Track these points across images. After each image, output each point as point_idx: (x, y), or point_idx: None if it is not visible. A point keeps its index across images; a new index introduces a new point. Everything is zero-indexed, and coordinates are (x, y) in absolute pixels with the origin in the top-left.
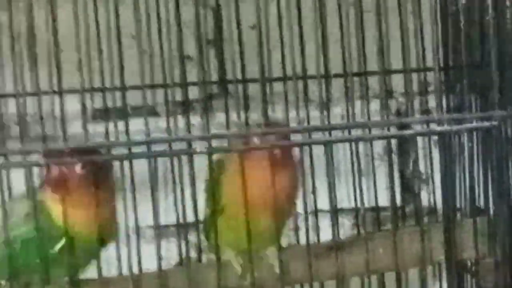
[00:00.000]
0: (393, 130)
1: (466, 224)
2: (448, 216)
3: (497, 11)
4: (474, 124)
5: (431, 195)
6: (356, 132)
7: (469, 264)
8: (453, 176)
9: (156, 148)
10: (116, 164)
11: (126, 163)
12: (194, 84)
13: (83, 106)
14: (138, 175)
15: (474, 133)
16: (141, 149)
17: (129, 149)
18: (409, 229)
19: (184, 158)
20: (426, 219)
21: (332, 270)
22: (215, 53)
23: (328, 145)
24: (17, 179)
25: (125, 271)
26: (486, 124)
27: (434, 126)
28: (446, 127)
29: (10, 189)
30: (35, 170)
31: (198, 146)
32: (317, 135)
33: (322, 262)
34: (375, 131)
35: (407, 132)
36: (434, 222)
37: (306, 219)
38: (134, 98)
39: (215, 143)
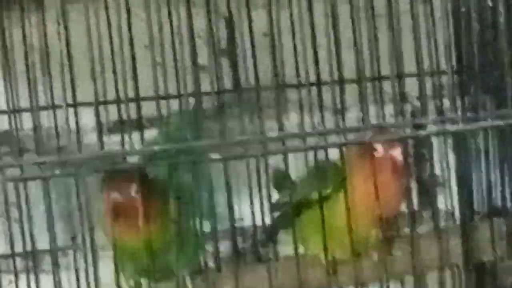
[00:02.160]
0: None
1: (483, 226)
2: (464, 219)
3: (509, 10)
4: (487, 122)
5: (448, 198)
6: None
7: (488, 266)
8: (469, 177)
9: None
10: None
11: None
12: (207, 94)
13: (98, 118)
14: None
15: (490, 133)
16: None
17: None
18: (427, 232)
19: None
20: (444, 223)
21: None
22: (229, 62)
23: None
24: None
25: None
26: (499, 122)
27: (448, 127)
28: (460, 126)
29: (27, 200)
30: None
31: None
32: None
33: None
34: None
35: (422, 132)
36: (451, 225)
37: None
38: (148, 109)
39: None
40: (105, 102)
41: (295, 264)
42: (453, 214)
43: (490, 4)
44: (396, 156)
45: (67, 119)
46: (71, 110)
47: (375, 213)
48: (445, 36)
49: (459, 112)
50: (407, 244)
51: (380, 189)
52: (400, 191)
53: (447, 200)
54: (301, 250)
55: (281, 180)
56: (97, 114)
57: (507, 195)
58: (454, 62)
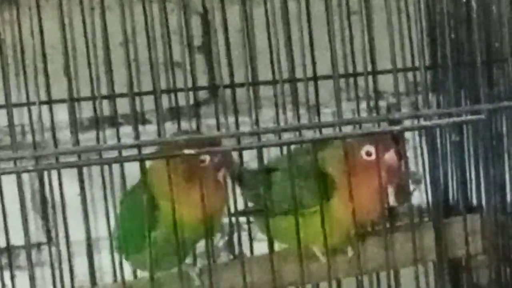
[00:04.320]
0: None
1: (457, 222)
2: (437, 214)
3: (482, 6)
4: (460, 118)
5: (423, 194)
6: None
7: (463, 262)
8: (445, 173)
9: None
10: None
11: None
12: (181, 90)
13: (73, 115)
14: None
15: (465, 128)
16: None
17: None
18: (401, 228)
19: None
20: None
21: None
22: (204, 59)
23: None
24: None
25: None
26: (473, 117)
27: (422, 122)
28: (433, 121)
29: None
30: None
31: None
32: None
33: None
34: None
35: (395, 127)
36: (425, 221)
37: None
38: (123, 106)
39: None
40: (80, 99)
41: (269, 260)
42: (428, 210)
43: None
44: (389, 160)
45: (40, 115)
46: (46, 106)
47: (357, 218)
48: (417, 32)
49: (434, 108)
50: (382, 240)
51: (366, 193)
52: (385, 194)
53: (422, 196)
54: (276, 246)
55: (251, 179)
56: (73, 111)
57: (482, 191)
58: (428, 58)
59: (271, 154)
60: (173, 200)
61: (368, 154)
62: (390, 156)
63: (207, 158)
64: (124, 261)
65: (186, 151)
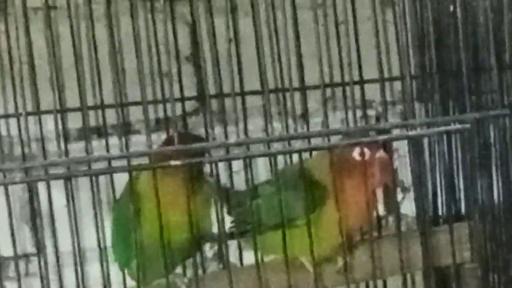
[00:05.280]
0: None
1: (445, 230)
2: (424, 223)
3: (467, 17)
4: (446, 127)
5: (411, 203)
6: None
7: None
8: (433, 182)
9: None
10: None
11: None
12: (167, 101)
13: (63, 125)
14: None
15: (453, 137)
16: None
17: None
18: (389, 237)
19: None
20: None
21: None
22: (193, 69)
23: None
24: None
25: None
26: (459, 126)
27: (409, 132)
28: (418, 131)
29: None
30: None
31: None
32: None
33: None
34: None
35: (381, 137)
36: (413, 230)
37: None
38: (111, 117)
39: None
40: (68, 110)
41: (257, 270)
42: (416, 218)
43: (451, 9)
44: (382, 157)
45: (26, 127)
46: (35, 118)
47: (351, 222)
48: (402, 42)
49: (421, 117)
50: (370, 249)
51: (361, 194)
52: (376, 199)
53: (411, 205)
54: (264, 256)
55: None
56: (61, 121)
57: (470, 199)
58: (414, 67)
59: (259, 164)
60: (159, 211)
61: (361, 154)
62: (381, 154)
63: None
64: (113, 271)
65: (173, 162)
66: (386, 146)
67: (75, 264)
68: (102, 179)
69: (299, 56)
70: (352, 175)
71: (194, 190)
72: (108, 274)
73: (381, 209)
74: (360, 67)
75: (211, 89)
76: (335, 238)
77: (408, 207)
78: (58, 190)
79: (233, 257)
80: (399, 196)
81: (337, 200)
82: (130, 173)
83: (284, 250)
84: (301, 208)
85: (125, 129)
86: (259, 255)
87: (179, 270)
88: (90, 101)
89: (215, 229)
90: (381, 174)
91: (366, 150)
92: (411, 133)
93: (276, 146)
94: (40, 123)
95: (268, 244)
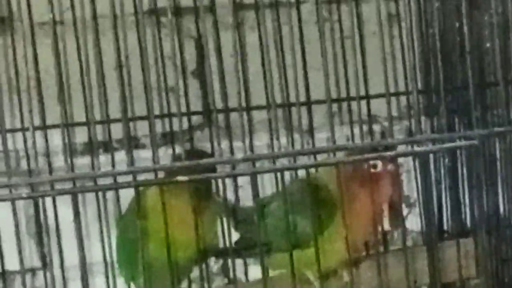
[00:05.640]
0: None
1: (451, 246)
2: (430, 239)
3: (474, 33)
4: (453, 143)
5: (417, 218)
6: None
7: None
8: (439, 197)
9: None
10: None
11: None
12: (174, 115)
13: (69, 140)
14: None
15: (458, 153)
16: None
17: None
18: (395, 252)
19: None
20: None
21: None
22: (198, 84)
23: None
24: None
25: None
26: (465, 143)
27: (415, 148)
28: (425, 147)
29: None
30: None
31: None
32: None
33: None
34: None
35: (388, 153)
36: (419, 245)
37: None
38: (118, 131)
39: None
40: (74, 124)
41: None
42: (422, 234)
43: (457, 25)
44: (393, 169)
45: (34, 141)
46: (40, 132)
47: (356, 238)
48: (410, 56)
49: (427, 133)
50: (376, 264)
51: (373, 206)
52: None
53: (416, 220)
54: (270, 271)
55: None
56: (68, 136)
57: (476, 215)
58: (421, 83)
59: (265, 178)
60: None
61: (374, 166)
62: (391, 168)
63: None
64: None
65: (179, 178)
66: (392, 161)
67: (81, 278)
68: (109, 193)
69: (305, 70)
70: (363, 188)
71: (201, 207)
72: None
73: (387, 224)
74: (366, 82)
75: (217, 104)
76: (342, 253)
77: (413, 222)
78: (64, 204)
79: (238, 271)
80: (405, 211)
81: (347, 215)
82: (136, 189)
83: (291, 268)
84: (310, 232)
85: (132, 143)
86: (266, 272)
87: (184, 284)
88: (96, 116)
89: (221, 244)
90: (390, 188)
91: (379, 163)
92: (418, 149)
93: (282, 161)
94: (46, 138)
95: (275, 261)
